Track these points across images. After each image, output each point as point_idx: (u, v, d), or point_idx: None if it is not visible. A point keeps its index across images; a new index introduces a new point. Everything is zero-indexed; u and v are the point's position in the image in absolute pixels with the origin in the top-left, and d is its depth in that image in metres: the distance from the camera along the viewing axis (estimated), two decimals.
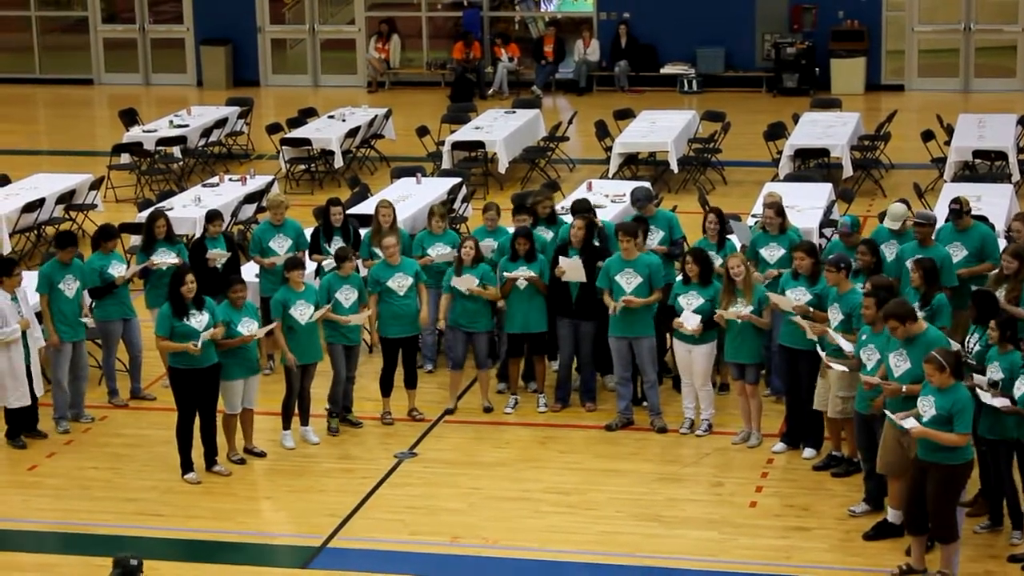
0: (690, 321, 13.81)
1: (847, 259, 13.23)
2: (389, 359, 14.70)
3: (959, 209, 14.63)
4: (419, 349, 15.51)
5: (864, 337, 12.22)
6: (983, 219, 15.77)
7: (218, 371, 13.45)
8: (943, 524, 11.25)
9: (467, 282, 14.49)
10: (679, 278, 14.22)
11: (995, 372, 11.72)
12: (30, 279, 14.75)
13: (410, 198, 19.64)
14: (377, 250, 15.48)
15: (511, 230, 15.06)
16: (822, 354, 12.78)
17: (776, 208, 14.95)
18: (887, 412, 11.49)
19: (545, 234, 15.41)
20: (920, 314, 12.50)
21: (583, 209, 15.59)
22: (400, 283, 14.50)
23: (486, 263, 14.78)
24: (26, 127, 30.79)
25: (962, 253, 14.47)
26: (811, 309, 13.35)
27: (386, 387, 14.74)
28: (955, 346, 11.88)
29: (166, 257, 15.29)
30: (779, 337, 13.71)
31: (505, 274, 14.70)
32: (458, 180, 20.99)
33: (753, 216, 17.62)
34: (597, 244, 14.84)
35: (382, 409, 14.77)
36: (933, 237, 14.29)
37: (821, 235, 17.81)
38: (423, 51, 33.68)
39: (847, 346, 12.49)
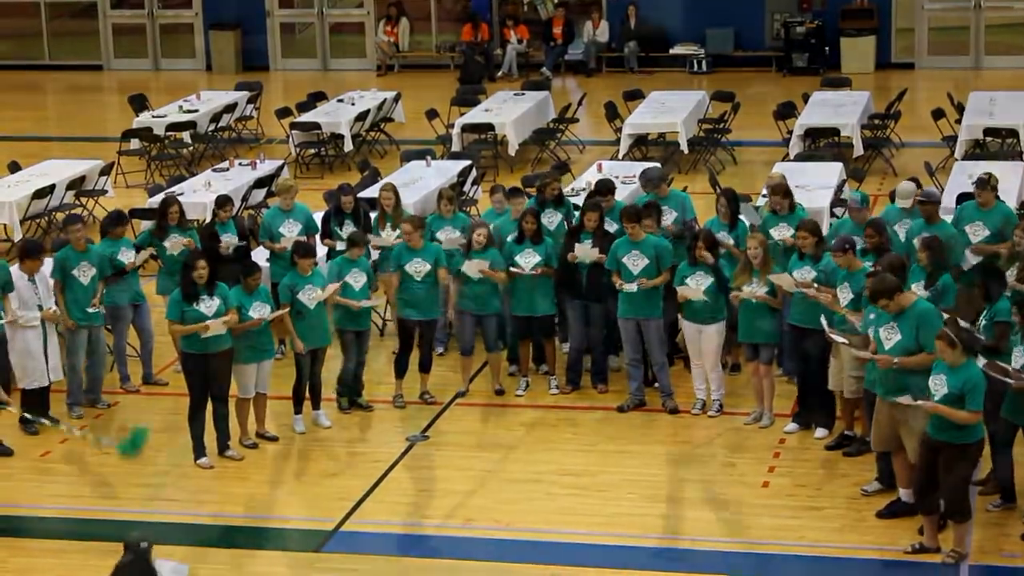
0: (690, 289, 13.77)
1: (851, 239, 13.18)
2: (405, 341, 14.68)
3: (987, 179, 14.52)
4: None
5: (872, 316, 12.17)
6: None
7: (230, 356, 13.46)
8: (955, 503, 11.23)
9: (477, 266, 14.45)
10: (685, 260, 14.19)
11: (1020, 357, 11.64)
12: (48, 265, 14.73)
13: (420, 181, 19.62)
14: (383, 233, 15.49)
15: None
16: (824, 324, 12.75)
17: (783, 191, 14.92)
18: (895, 398, 11.46)
19: (552, 217, 15.38)
20: (925, 293, 12.49)
21: (605, 190, 15.51)
22: (417, 268, 14.45)
23: (496, 249, 14.75)
24: (35, 113, 30.82)
25: (984, 233, 14.41)
26: (815, 285, 13.30)
27: (400, 369, 14.72)
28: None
29: (178, 240, 15.35)
30: (788, 317, 13.68)
31: (512, 269, 14.63)
32: (468, 163, 20.97)
33: (763, 197, 17.58)
34: (613, 231, 14.82)
35: (394, 392, 14.77)
36: (940, 215, 14.26)
37: (832, 214, 17.77)
38: (432, 34, 33.64)
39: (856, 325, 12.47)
